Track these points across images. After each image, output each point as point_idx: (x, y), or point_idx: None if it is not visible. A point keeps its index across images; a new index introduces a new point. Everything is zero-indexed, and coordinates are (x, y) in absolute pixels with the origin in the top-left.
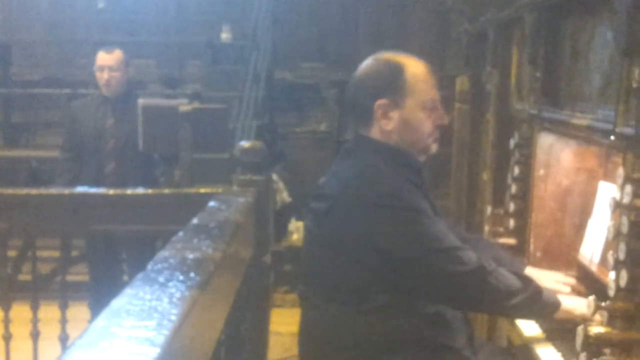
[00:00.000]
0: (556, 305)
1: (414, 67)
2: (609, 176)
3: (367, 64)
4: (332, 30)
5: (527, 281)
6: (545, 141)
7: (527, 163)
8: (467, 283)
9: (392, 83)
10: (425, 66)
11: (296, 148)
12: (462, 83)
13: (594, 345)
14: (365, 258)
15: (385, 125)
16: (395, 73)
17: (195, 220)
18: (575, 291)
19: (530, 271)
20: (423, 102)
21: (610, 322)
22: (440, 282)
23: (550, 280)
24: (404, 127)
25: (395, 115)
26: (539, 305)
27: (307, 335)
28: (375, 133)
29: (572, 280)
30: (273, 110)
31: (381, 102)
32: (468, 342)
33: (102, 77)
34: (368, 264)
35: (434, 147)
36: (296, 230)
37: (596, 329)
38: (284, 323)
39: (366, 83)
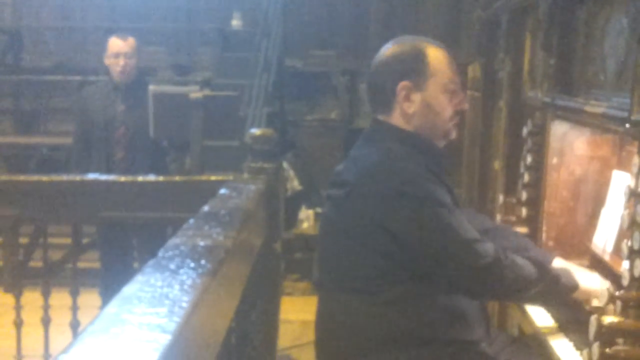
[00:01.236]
0: (574, 287)
1: (436, 51)
2: (622, 165)
3: (388, 47)
4: (343, 18)
5: (544, 270)
6: (559, 129)
7: (540, 151)
8: (483, 276)
9: (414, 66)
10: (446, 51)
11: (307, 136)
12: (474, 70)
13: (607, 334)
14: (382, 245)
15: (407, 109)
16: (418, 56)
17: (206, 208)
18: None
19: (559, 262)
20: (444, 85)
21: (623, 311)
22: (456, 273)
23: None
24: (426, 110)
25: (417, 98)
26: (557, 291)
27: (323, 323)
28: (395, 118)
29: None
30: (283, 98)
31: (404, 84)
32: (485, 333)
33: (118, 63)
34: (385, 251)
35: (454, 133)
36: (306, 218)
37: (609, 319)
38: (294, 311)
39: (388, 66)
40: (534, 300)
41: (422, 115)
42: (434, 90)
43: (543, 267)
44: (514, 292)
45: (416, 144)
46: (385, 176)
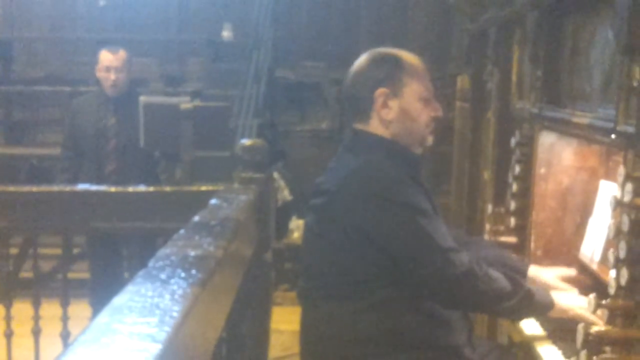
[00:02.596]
0: (549, 305)
1: (410, 59)
2: (609, 175)
3: (362, 58)
4: (333, 29)
5: (518, 285)
6: (546, 140)
7: (528, 162)
8: (455, 285)
9: (390, 73)
10: (419, 59)
11: (297, 146)
12: (463, 81)
13: (594, 343)
14: (362, 250)
15: (386, 115)
16: (393, 64)
17: (196, 218)
18: (576, 284)
19: (533, 269)
20: (420, 93)
21: (610, 320)
22: (429, 280)
23: (552, 276)
24: (404, 116)
25: (394, 104)
26: (531, 308)
27: (307, 333)
28: (373, 125)
29: (573, 273)
30: (274, 108)
31: (381, 90)
32: (468, 338)
33: (109, 77)
34: (365, 256)
35: (430, 139)
36: (297, 228)
37: (596, 327)
38: (285, 321)
39: (364, 75)
40: (507, 314)
41: (400, 122)
42: (410, 97)
43: (517, 282)
44: (487, 304)
45: (394, 151)
46: (364, 182)
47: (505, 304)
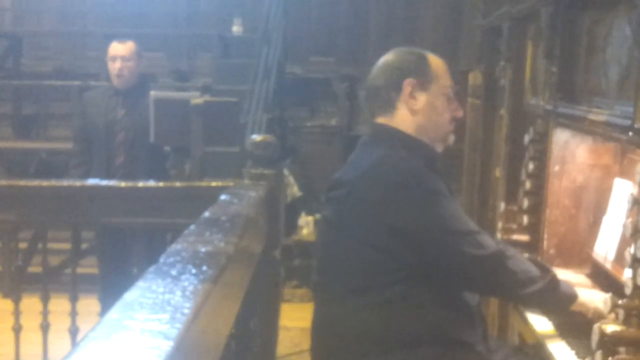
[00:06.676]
0: (573, 297)
1: (435, 58)
2: (624, 173)
3: (389, 54)
4: (343, 25)
5: (546, 270)
6: (561, 137)
7: (541, 159)
8: (484, 267)
9: (418, 67)
10: (443, 60)
11: (306, 142)
12: (475, 78)
13: (609, 343)
14: (382, 242)
15: (413, 105)
16: (421, 59)
17: (207, 214)
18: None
19: None
20: (444, 89)
21: (626, 320)
22: (457, 264)
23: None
24: (430, 109)
25: (421, 97)
26: (556, 295)
27: (320, 327)
28: (398, 117)
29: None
30: (283, 104)
31: (409, 80)
32: (482, 336)
33: (115, 67)
34: (384, 247)
35: (451, 138)
36: (306, 224)
37: (612, 327)
38: (293, 318)
39: (393, 66)
40: (533, 299)
41: (427, 114)
42: (436, 92)
43: (544, 267)
44: (514, 287)
45: (415, 146)
46: (385, 173)
47: (533, 287)
